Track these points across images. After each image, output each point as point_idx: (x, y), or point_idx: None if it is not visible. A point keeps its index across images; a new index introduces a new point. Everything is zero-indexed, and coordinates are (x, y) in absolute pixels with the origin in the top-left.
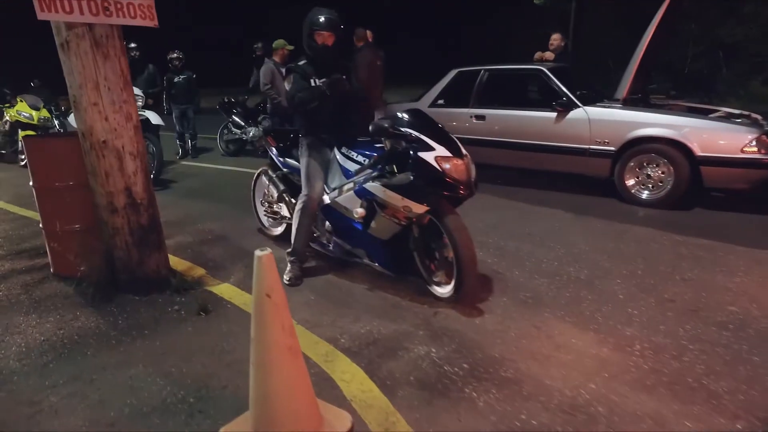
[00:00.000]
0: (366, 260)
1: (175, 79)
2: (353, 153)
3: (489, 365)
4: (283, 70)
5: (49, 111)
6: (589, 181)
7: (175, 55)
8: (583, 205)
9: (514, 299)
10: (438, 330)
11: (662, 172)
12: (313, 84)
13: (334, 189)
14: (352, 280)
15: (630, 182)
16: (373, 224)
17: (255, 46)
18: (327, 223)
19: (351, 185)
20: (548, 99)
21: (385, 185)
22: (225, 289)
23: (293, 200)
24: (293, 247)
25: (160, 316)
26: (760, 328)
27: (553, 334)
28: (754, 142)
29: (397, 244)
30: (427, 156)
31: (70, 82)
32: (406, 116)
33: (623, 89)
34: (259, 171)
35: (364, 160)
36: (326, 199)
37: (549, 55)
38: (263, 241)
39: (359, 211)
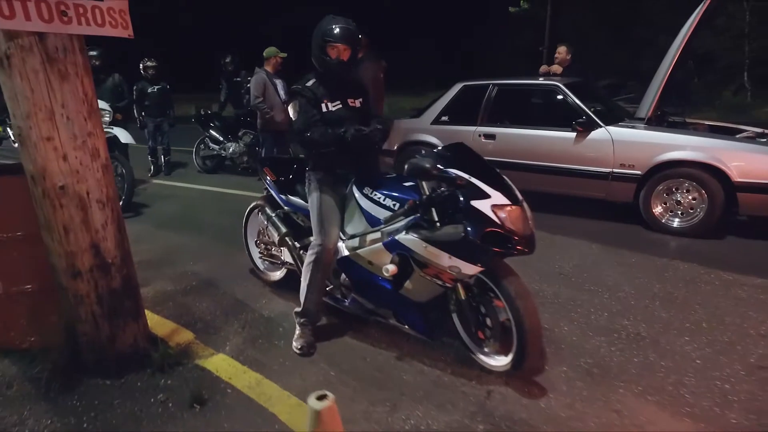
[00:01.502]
0: (392, 321)
1: (149, 90)
2: (378, 195)
3: None
4: (276, 81)
5: (3, 122)
6: (607, 205)
7: (150, 63)
8: (607, 234)
9: (575, 368)
10: (500, 421)
11: (693, 198)
12: (325, 110)
13: (353, 237)
14: (375, 344)
15: (657, 209)
16: (407, 284)
17: (224, 61)
18: (343, 276)
19: (377, 235)
20: (565, 117)
21: (426, 239)
22: (221, 364)
23: (297, 244)
24: (304, 307)
25: (141, 413)
26: None
27: (640, 422)
28: None
29: (432, 303)
30: (482, 205)
31: (12, 109)
32: (449, 154)
33: (646, 108)
34: (252, 206)
35: (394, 205)
36: (343, 249)
37: (556, 68)
38: (259, 287)
39: (390, 269)
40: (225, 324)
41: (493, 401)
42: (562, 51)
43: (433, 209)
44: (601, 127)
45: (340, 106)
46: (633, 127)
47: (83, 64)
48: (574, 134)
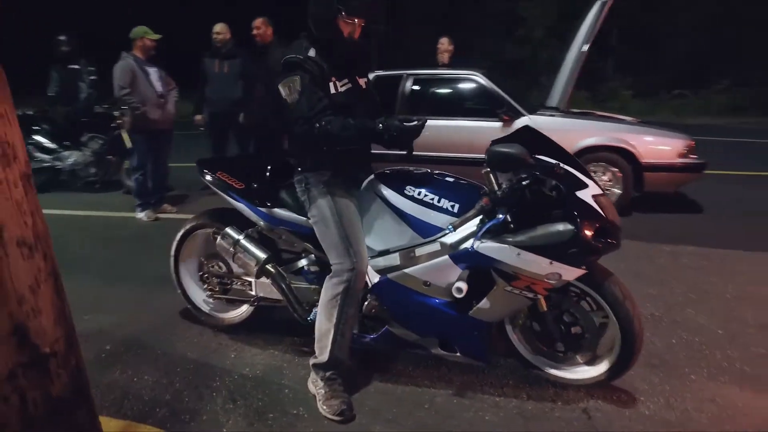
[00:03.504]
0: (436, 350)
1: None
2: (430, 195)
3: None
4: (149, 69)
5: None
6: None
7: None
8: None
9: (646, 366)
10: None
11: (609, 180)
12: (333, 90)
13: (384, 253)
14: (416, 383)
15: None
16: (484, 304)
17: (58, 38)
18: (368, 303)
19: (435, 247)
20: (487, 107)
21: (519, 245)
22: None
23: (282, 271)
24: (331, 355)
25: None
26: None
27: (739, 405)
28: (687, 148)
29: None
30: (585, 196)
31: None
32: (524, 139)
33: (558, 98)
34: (189, 228)
35: (452, 206)
36: (371, 271)
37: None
38: (210, 336)
39: (461, 288)
40: (200, 401)
41: (598, 421)
42: (444, 42)
43: (513, 207)
44: (524, 115)
45: (350, 86)
46: (553, 116)
47: None
48: (500, 124)
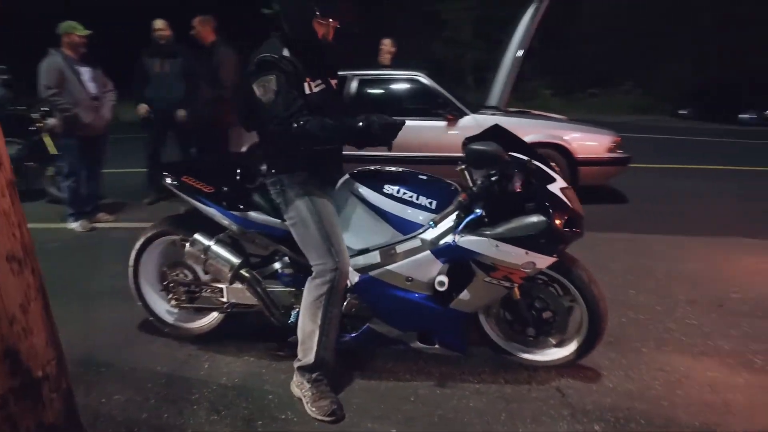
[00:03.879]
0: (415, 344)
1: None
2: (409, 193)
3: None
4: (81, 69)
5: None
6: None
7: None
8: None
9: (604, 344)
10: (600, 414)
11: None
12: (308, 91)
13: (364, 251)
14: (398, 377)
15: None
16: (464, 296)
17: None
18: (349, 303)
19: (416, 243)
20: (432, 106)
21: (498, 237)
22: None
23: (257, 276)
24: (317, 356)
25: None
26: None
27: (682, 371)
28: (614, 143)
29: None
30: (555, 189)
31: None
32: (501, 137)
33: (497, 98)
34: (148, 237)
35: (431, 203)
36: (351, 271)
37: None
38: (177, 348)
39: (443, 281)
40: (180, 416)
41: (572, 398)
42: (387, 43)
43: (488, 202)
44: (468, 114)
45: (323, 86)
46: (494, 114)
47: None
48: (444, 123)
